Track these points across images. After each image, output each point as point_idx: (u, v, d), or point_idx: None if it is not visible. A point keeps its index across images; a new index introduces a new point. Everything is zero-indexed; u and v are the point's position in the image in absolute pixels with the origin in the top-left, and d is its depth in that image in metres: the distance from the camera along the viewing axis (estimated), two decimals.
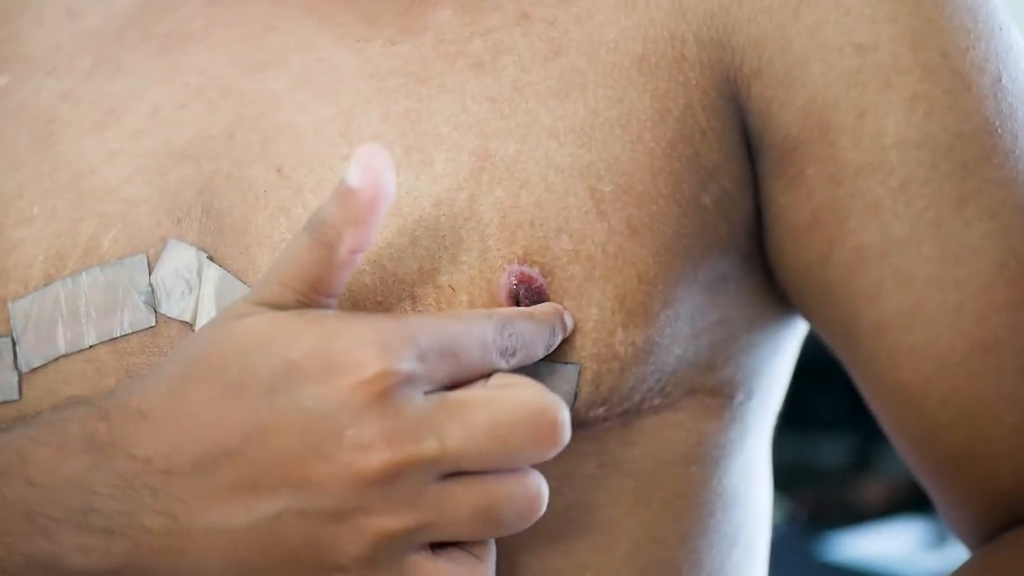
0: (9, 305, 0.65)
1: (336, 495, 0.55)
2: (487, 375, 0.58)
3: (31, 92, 0.69)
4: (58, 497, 0.58)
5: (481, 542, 0.58)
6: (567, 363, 0.62)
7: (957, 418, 0.65)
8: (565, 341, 0.62)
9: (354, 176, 0.56)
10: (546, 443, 0.57)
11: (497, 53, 0.64)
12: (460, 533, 0.57)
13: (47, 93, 0.69)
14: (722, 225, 0.65)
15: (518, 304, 0.62)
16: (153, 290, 0.64)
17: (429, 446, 0.55)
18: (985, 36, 0.64)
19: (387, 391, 0.55)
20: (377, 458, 0.55)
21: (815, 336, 0.72)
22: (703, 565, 0.69)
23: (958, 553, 0.70)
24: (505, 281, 0.62)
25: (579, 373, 0.62)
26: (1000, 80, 0.64)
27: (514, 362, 0.59)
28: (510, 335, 0.59)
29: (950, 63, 0.64)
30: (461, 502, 0.56)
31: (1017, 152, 0.65)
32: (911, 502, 2.37)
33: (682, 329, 0.65)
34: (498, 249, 0.62)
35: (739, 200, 0.65)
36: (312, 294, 0.58)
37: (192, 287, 0.63)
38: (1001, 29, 0.65)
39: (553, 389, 0.59)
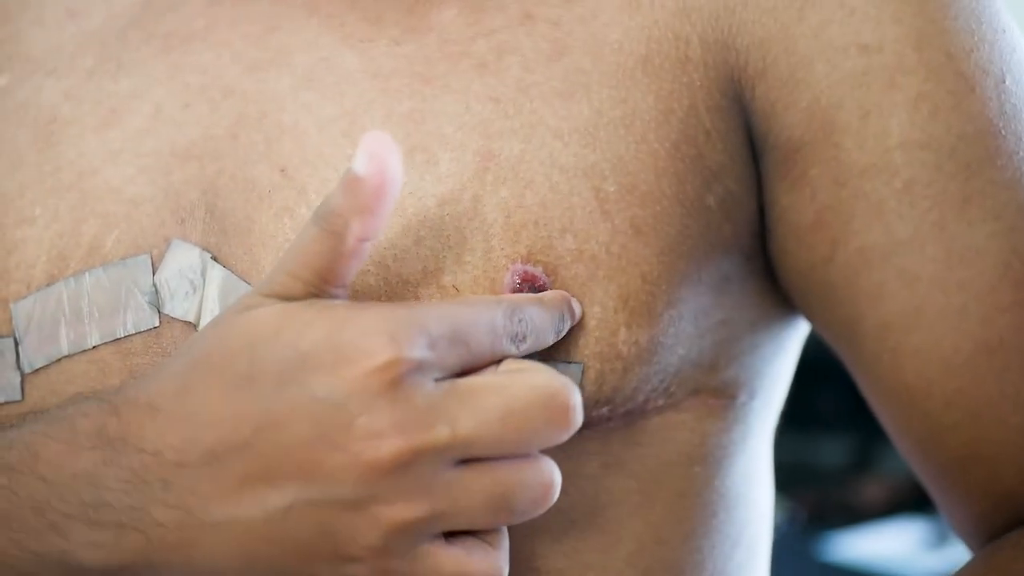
0: (11, 305, 0.65)
1: (349, 485, 0.55)
2: (497, 362, 0.58)
3: (32, 92, 0.69)
4: (68, 492, 0.58)
5: (495, 530, 0.58)
6: (570, 362, 0.62)
7: (961, 419, 0.65)
8: (568, 340, 0.62)
9: (361, 164, 0.56)
10: (559, 426, 0.57)
11: (501, 53, 0.64)
12: (474, 521, 0.57)
13: (48, 93, 0.69)
14: (726, 226, 0.65)
15: None
16: (157, 290, 0.64)
17: (440, 433, 0.55)
18: (989, 38, 0.64)
19: (398, 379, 0.55)
20: (389, 447, 0.55)
21: (815, 336, 0.72)
22: (705, 566, 0.69)
23: (958, 553, 0.70)
24: (509, 280, 0.62)
25: (582, 372, 0.62)
26: (1004, 82, 0.64)
27: (524, 348, 0.59)
28: (519, 320, 0.59)
29: (954, 64, 0.63)
30: (474, 489, 0.56)
31: (1021, 153, 0.65)
32: (911, 502, 2.37)
33: (686, 329, 0.65)
34: (502, 249, 0.62)
35: (743, 201, 0.65)
36: (321, 284, 0.58)
37: (196, 287, 0.63)
38: (1005, 31, 0.65)
39: None
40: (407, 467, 0.55)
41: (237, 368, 0.56)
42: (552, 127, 0.63)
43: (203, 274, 0.63)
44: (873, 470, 2.55)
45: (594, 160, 0.63)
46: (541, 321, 0.60)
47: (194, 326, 0.63)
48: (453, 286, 0.62)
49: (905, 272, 0.64)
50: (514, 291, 0.62)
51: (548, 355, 0.61)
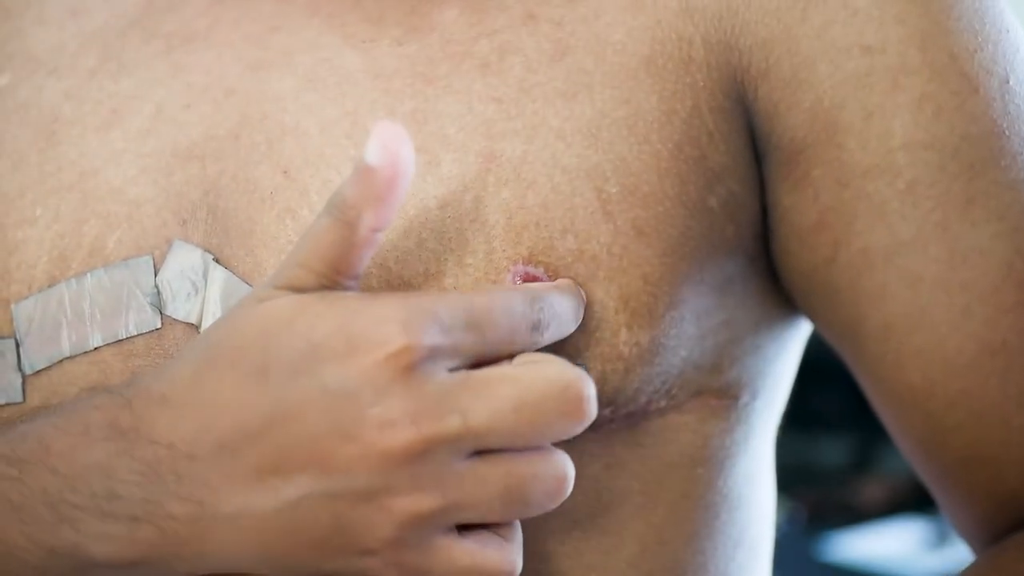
0: (12, 306, 0.65)
1: (362, 475, 0.55)
2: (511, 356, 0.58)
3: (33, 91, 0.69)
4: (81, 484, 0.57)
5: (508, 524, 0.58)
6: (572, 363, 0.62)
7: (964, 420, 0.65)
8: (570, 341, 0.62)
9: (373, 154, 0.56)
10: (573, 417, 0.57)
11: (503, 53, 0.64)
12: (487, 513, 0.57)
13: (50, 92, 0.69)
14: (728, 227, 0.65)
15: None
16: (159, 292, 0.64)
17: (453, 423, 0.55)
18: (993, 38, 0.64)
19: (411, 366, 0.55)
20: (402, 436, 0.55)
21: (816, 336, 0.72)
22: (707, 567, 0.68)
23: (958, 553, 0.70)
24: (510, 282, 0.62)
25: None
26: (1008, 82, 0.64)
27: (548, 335, 0.59)
28: (540, 308, 0.59)
29: (958, 65, 0.63)
30: (488, 481, 0.56)
31: None
32: (911, 502, 2.37)
33: (688, 331, 0.65)
34: (503, 251, 0.62)
35: (746, 202, 0.65)
36: (333, 275, 0.58)
37: (198, 289, 0.63)
38: (1008, 31, 0.65)
39: None
40: (420, 457, 0.55)
41: (249, 360, 0.56)
42: (555, 128, 0.63)
43: (205, 275, 0.63)
44: (873, 470, 2.56)
45: (596, 161, 0.63)
46: (562, 308, 0.60)
47: (196, 328, 0.63)
48: (455, 288, 0.61)
49: (908, 273, 0.64)
50: None
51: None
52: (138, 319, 0.63)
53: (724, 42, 0.64)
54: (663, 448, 0.66)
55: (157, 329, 0.63)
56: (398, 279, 0.62)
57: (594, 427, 0.63)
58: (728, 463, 0.69)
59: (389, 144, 0.56)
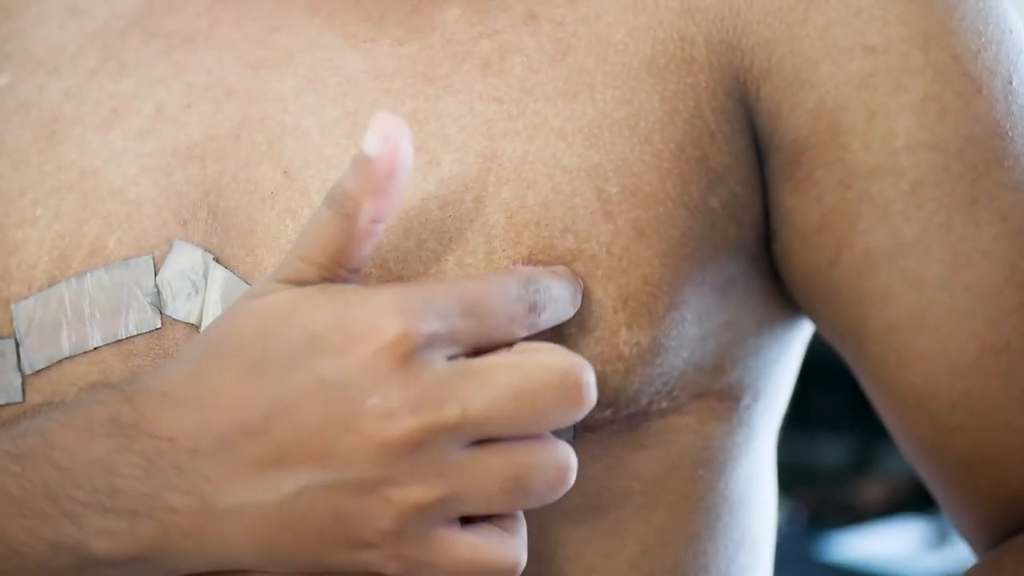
0: (12, 306, 0.65)
1: (361, 466, 0.55)
2: (510, 343, 0.58)
3: (33, 91, 0.69)
4: (82, 479, 0.57)
5: (512, 516, 0.58)
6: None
7: (966, 422, 0.65)
8: (569, 341, 0.62)
9: (372, 145, 0.56)
10: (572, 404, 0.56)
11: (505, 53, 0.64)
12: (489, 504, 0.56)
13: (50, 92, 0.68)
14: (730, 228, 0.65)
15: None
16: (159, 292, 0.63)
17: (452, 412, 0.55)
18: (996, 38, 0.64)
19: (408, 354, 0.55)
20: (401, 426, 0.55)
21: (816, 336, 0.72)
22: (709, 569, 0.68)
23: (958, 553, 0.70)
24: None
25: None
26: (1011, 83, 0.64)
27: (545, 317, 0.59)
28: (535, 289, 0.59)
29: (961, 65, 0.63)
30: (489, 471, 0.56)
31: None
32: (911, 502, 2.37)
33: (689, 331, 0.65)
34: (503, 250, 0.62)
35: (748, 202, 0.65)
36: (335, 268, 0.58)
37: (198, 289, 0.63)
38: (1012, 31, 0.65)
39: None
40: (420, 447, 0.55)
41: (249, 353, 0.56)
42: (556, 127, 0.63)
43: (205, 275, 0.63)
44: (873, 470, 2.56)
45: (598, 161, 0.62)
46: (558, 290, 0.60)
47: (196, 328, 0.63)
48: None
49: (911, 274, 0.64)
50: None
51: None
52: (138, 319, 0.63)
53: (726, 42, 0.64)
54: (664, 450, 0.66)
55: (157, 329, 0.63)
56: (398, 279, 0.61)
57: (595, 428, 0.63)
58: (729, 465, 0.69)
59: (388, 135, 0.56)
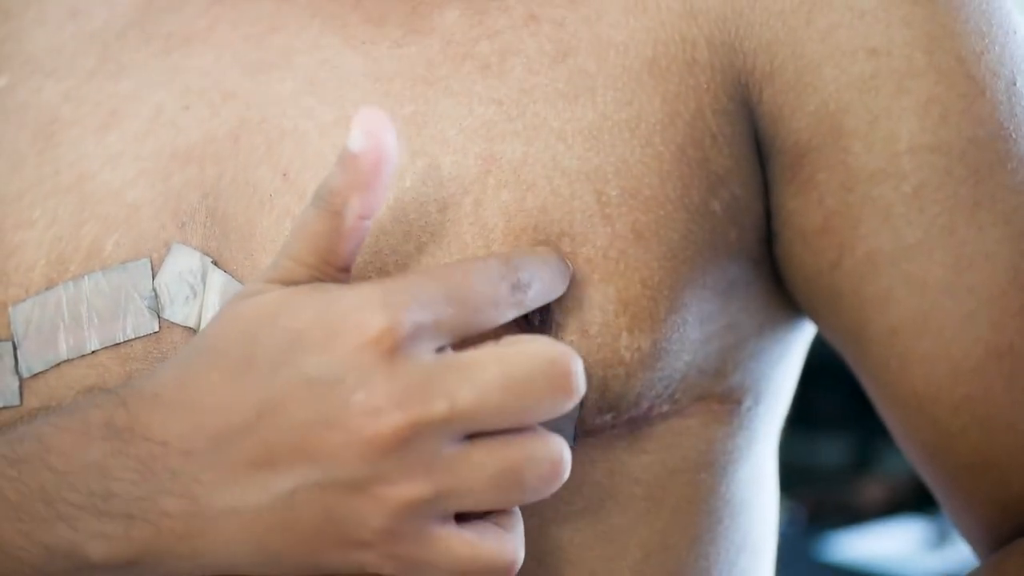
0: (10, 309, 0.64)
1: (350, 464, 0.55)
2: (499, 332, 0.57)
3: (32, 93, 0.69)
4: (78, 483, 0.57)
5: (508, 512, 0.57)
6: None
7: (969, 425, 0.65)
8: (570, 347, 0.61)
9: (356, 141, 0.56)
10: (561, 393, 0.56)
11: (504, 55, 0.64)
12: (482, 500, 0.56)
13: (48, 94, 0.68)
14: (731, 230, 0.65)
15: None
16: (156, 295, 0.63)
17: (440, 406, 0.54)
18: (1000, 40, 0.64)
19: (393, 348, 0.54)
20: (388, 422, 0.54)
21: (816, 336, 0.72)
22: (711, 572, 0.68)
23: (958, 553, 0.70)
24: None
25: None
26: (1015, 84, 0.64)
27: (531, 295, 0.58)
28: (516, 267, 0.58)
29: (965, 67, 0.63)
30: (480, 466, 0.55)
31: None
32: (911, 502, 2.37)
33: (691, 335, 0.64)
34: None
35: (749, 205, 0.65)
36: (324, 267, 0.57)
37: (196, 292, 0.63)
38: (1015, 33, 0.65)
39: None
40: (408, 443, 0.54)
41: (238, 354, 0.56)
42: (555, 129, 0.62)
43: (203, 279, 0.63)
44: (873, 470, 2.56)
45: (598, 163, 0.62)
46: (540, 266, 0.59)
47: (194, 332, 0.63)
48: None
49: (913, 277, 0.64)
50: None
51: None
52: (136, 323, 0.63)
53: (728, 44, 0.63)
54: (666, 453, 0.66)
55: (155, 333, 0.63)
56: None
57: (595, 432, 0.63)
58: (731, 468, 0.68)
59: (372, 130, 0.56)
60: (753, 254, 0.66)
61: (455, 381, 0.55)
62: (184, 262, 0.63)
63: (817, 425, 2.52)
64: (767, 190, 0.65)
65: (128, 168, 0.65)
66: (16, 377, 0.64)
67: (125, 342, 0.63)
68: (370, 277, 0.61)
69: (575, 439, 0.61)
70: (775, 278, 0.68)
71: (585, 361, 0.61)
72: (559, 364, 0.56)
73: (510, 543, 0.57)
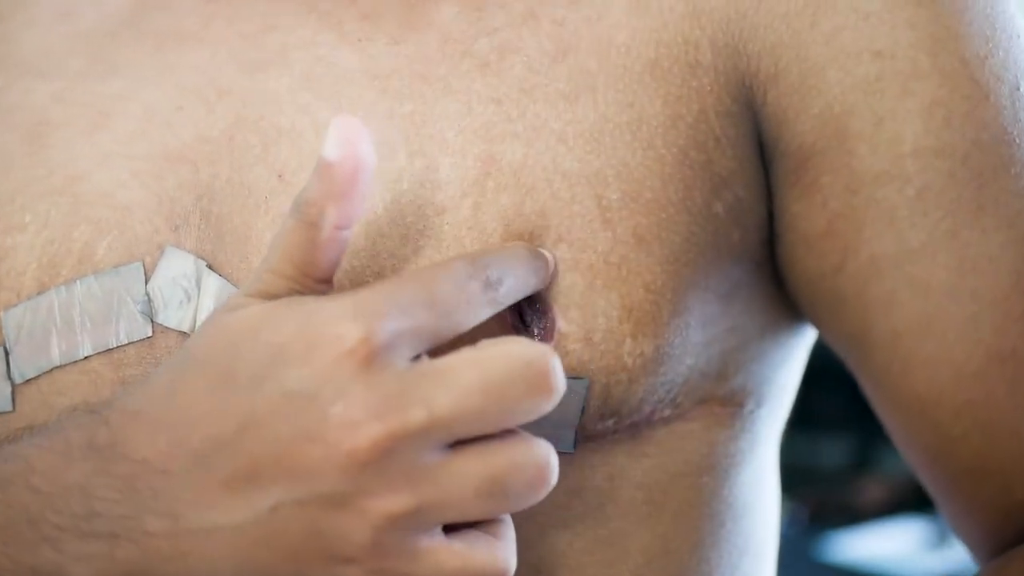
0: (1, 314, 0.64)
1: (331, 479, 0.54)
2: (474, 339, 0.56)
3: (21, 94, 0.68)
4: (61, 504, 0.56)
5: (499, 521, 0.56)
6: (575, 377, 0.61)
7: (971, 430, 0.64)
8: (573, 354, 0.60)
9: (331, 150, 0.55)
10: (540, 392, 0.54)
11: (504, 53, 0.63)
12: (467, 510, 0.55)
13: (38, 95, 0.67)
14: (735, 233, 0.64)
15: (521, 317, 0.61)
16: (150, 299, 0.62)
17: (417, 415, 0.53)
18: (1004, 44, 0.64)
19: (369, 358, 0.53)
20: (366, 434, 0.53)
21: (816, 337, 0.71)
22: None
23: (958, 553, 0.69)
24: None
25: (587, 387, 0.61)
26: (1018, 88, 0.64)
27: (504, 291, 0.58)
28: (485, 265, 0.57)
29: (969, 70, 0.63)
30: (463, 474, 0.54)
31: None
32: (911, 502, 2.38)
33: (693, 338, 0.64)
34: None
35: (752, 208, 0.64)
36: (303, 279, 0.57)
37: (190, 296, 0.62)
38: (1020, 36, 0.65)
39: (561, 404, 0.57)
40: (388, 454, 0.53)
41: (217, 369, 0.55)
42: (556, 131, 0.62)
43: (198, 283, 0.62)
44: (873, 470, 2.56)
45: (598, 166, 0.62)
46: (510, 263, 0.58)
47: (188, 336, 0.62)
48: None
49: (917, 280, 0.63)
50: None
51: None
52: (129, 328, 0.62)
53: (732, 46, 0.63)
54: (667, 457, 0.65)
55: (148, 338, 0.62)
56: None
57: (596, 438, 0.63)
58: (733, 471, 0.68)
59: (347, 139, 0.55)
60: (756, 256, 0.66)
61: (431, 388, 0.54)
62: (178, 266, 0.62)
63: (818, 426, 2.52)
64: (770, 193, 0.65)
65: (120, 169, 0.64)
66: (8, 383, 0.64)
67: (118, 347, 0.62)
68: (367, 281, 0.60)
69: (575, 445, 0.61)
70: (777, 281, 0.67)
71: (588, 368, 0.61)
72: (536, 365, 0.54)
73: (501, 552, 0.56)
